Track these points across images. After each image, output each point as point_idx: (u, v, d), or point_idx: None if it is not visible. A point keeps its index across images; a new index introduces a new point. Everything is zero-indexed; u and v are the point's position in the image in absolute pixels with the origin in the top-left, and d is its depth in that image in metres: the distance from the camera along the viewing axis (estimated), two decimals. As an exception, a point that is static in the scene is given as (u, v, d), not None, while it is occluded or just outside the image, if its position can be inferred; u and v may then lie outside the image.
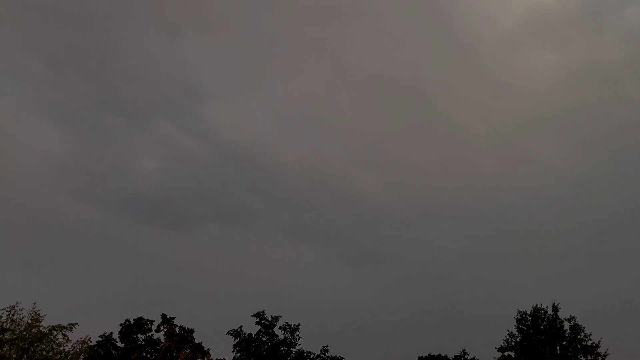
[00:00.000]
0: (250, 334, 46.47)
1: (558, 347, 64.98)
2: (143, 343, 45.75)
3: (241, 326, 46.81)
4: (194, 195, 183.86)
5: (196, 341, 46.62)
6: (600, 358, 64.70)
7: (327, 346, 47.08)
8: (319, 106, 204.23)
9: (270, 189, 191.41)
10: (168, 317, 46.83)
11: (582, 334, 65.02)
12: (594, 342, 64.87)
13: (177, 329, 46.40)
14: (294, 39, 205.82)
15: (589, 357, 64.75)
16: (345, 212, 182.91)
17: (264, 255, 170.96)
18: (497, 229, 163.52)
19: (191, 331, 46.53)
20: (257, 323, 46.99)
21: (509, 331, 66.52)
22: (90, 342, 56.19)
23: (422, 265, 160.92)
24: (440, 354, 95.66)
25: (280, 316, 47.57)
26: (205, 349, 46.34)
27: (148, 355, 45.55)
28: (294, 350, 46.34)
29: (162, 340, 46.04)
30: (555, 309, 67.03)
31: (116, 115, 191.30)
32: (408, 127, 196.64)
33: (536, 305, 67.69)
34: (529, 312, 67.14)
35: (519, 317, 67.44)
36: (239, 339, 46.01)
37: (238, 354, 45.81)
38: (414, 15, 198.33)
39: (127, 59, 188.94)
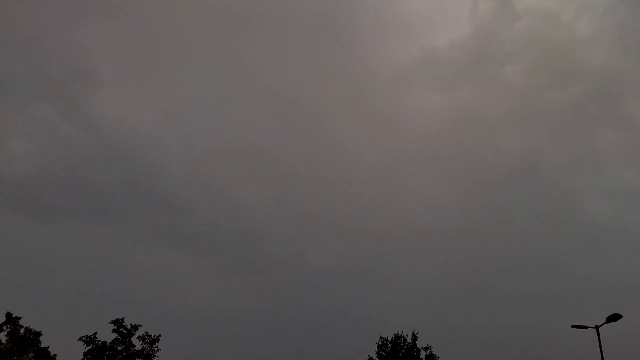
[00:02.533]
0: (104, 342, 43.68)
1: (413, 375, 67.94)
2: (-20, 343, 41.55)
3: (95, 333, 43.84)
4: (65, 186, 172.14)
5: (43, 345, 43.12)
6: (450, 387, 68.56)
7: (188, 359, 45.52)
8: (212, 112, 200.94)
9: (150, 190, 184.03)
10: (13, 316, 42.94)
11: (435, 362, 68.60)
12: (446, 372, 68.68)
13: (22, 330, 42.64)
14: (198, 43, 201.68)
15: (440, 386, 68.38)
16: (226, 220, 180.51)
17: (133, 258, 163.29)
18: (371, 251, 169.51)
19: (38, 334, 42.95)
20: (114, 330, 44.30)
21: (369, 356, 68.64)
22: None
23: (298, 281, 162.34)
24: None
25: (141, 325, 45.24)
26: (51, 354, 42.97)
27: (-16, 357, 41.43)
28: (150, 362, 44.24)
29: (4, 341, 42.06)
30: (414, 337, 70.13)
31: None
32: (299, 143, 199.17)
33: (397, 333, 70.57)
34: (389, 339, 69.84)
35: (380, 342, 69.82)
36: (91, 346, 43.06)
37: (88, 363, 42.89)
38: (319, 39, 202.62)
39: (15, 29, 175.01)
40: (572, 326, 39.03)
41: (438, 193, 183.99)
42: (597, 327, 35.14)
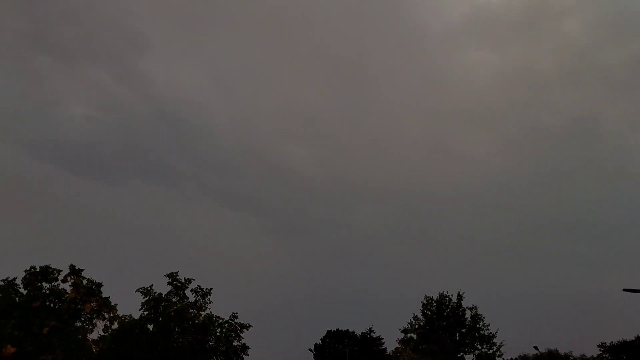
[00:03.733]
0: (160, 294, 46.12)
1: (458, 334, 68.58)
2: (47, 292, 44.40)
3: (152, 285, 46.41)
4: (120, 148, 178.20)
5: (104, 295, 45.78)
6: (495, 348, 68.88)
7: (236, 313, 47.48)
8: (259, 73, 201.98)
9: (200, 151, 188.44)
10: (77, 268, 45.57)
11: (481, 323, 68.87)
12: (491, 332, 68.93)
13: (84, 281, 45.29)
14: (244, 7, 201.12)
15: (485, 346, 68.79)
16: (272, 183, 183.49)
17: (186, 216, 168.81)
18: (418, 215, 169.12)
19: (99, 285, 45.54)
20: (168, 283, 46.70)
21: (414, 314, 69.46)
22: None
23: (342, 243, 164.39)
24: (347, 330, 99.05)
25: (193, 279, 47.54)
26: (112, 304, 45.61)
27: (52, 305, 44.32)
28: (203, 313, 46.42)
29: (68, 291, 44.87)
30: (460, 297, 70.49)
31: (46, 54, 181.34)
32: (345, 105, 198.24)
33: (442, 292, 70.99)
34: (435, 298, 70.35)
35: (425, 301, 70.48)
36: (148, 297, 45.56)
37: (145, 313, 45.41)
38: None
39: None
40: (624, 290, 38.41)
41: (488, 154, 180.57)
42: (648, 291, 34.37)
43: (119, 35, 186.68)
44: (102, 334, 45.16)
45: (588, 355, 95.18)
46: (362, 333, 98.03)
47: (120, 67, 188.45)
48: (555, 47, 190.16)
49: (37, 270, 44.44)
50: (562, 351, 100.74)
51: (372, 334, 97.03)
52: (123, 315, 46.13)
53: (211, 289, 47.57)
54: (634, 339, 73.20)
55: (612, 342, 76.87)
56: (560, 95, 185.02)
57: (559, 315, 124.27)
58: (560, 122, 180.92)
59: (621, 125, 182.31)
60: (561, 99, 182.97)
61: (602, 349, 78.73)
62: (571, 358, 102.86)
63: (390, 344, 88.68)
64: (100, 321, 45.34)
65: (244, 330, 46.72)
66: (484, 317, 68.65)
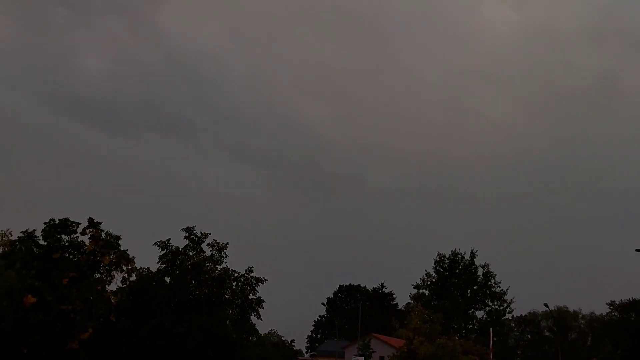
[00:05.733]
0: (177, 247, 46.69)
1: (469, 291, 69.40)
2: (67, 244, 45.09)
3: (169, 239, 46.89)
4: (135, 101, 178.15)
5: (122, 248, 46.48)
6: (505, 304, 69.74)
7: (252, 267, 48.05)
8: (275, 27, 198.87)
9: (215, 104, 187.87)
10: (95, 221, 46.09)
11: (492, 280, 69.59)
12: (502, 290, 69.70)
13: (103, 234, 45.93)
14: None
15: (495, 303, 69.67)
16: (287, 138, 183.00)
17: (202, 171, 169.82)
18: (433, 174, 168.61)
19: (117, 238, 46.12)
20: (185, 237, 47.14)
21: (426, 271, 70.29)
22: (12, 235, 55.35)
23: (356, 200, 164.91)
24: (359, 285, 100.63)
25: (210, 233, 47.85)
26: (130, 256, 46.34)
27: (71, 257, 45.12)
28: (219, 267, 47.05)
29: (87, 243, 45.57)
30: (473, 255, 71.03)
31: (63, 6, 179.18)
32: (361, 62, 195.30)
33: (455, 250, 71.53)
34: (447, 255, 70.92)
35: (437, 258, 71.15)
36: (165, 250, 46.17)
37: (163, 265, 46.11)
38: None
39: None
40: (637, 250, 38.34)
41: (506, 113, 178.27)
42: (663, 252, 34.23)
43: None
44: (121, 285, 46.07)
45: (597, 313, 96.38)
46: (373, 288, 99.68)
47: (136, 20, 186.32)
48: (576, 5, 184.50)
49: (57, 222, 45.04)
50: (571, 309, 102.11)
51: (383, 290, 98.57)
52: (141, 267, 46.92)
53: (227, 243, 48.05)
54: (643, 297, 73.56)
55: (621, 300, 77.39)
56: (580, 55, 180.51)
57: (571, 275, 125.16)
58: (580, 81, 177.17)
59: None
60: (582, 58, 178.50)
61: (611, 307, 79.38)
62: (580, 315, 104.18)
63: (402, 300, 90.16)
64: (119, 273, 46.17)
65: (260, 283, 47.39)
66: (495, 275, 69.42)
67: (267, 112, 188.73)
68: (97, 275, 45.61)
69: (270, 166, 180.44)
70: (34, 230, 45.22)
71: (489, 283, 69.23)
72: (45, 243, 44.75)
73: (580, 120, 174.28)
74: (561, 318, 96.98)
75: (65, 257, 44.52)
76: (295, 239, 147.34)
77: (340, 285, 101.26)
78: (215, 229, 49.94)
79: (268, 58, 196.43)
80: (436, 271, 70.84)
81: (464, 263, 70.95)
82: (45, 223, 45.05)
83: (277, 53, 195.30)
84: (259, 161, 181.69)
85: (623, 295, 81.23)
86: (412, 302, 65.83)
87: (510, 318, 77.30)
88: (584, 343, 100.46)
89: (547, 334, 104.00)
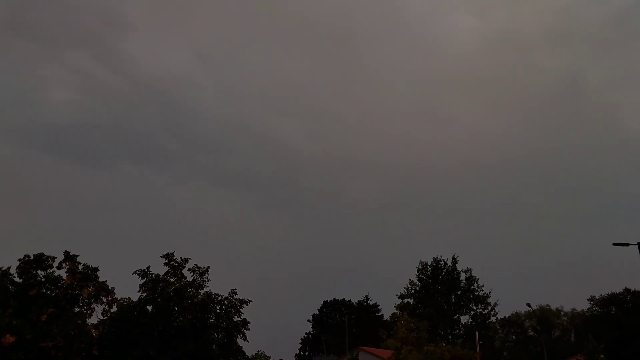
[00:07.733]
0: (157, 275, 45.97)
1: (453, 296, 69.69)
2: (43, 279, 44.14)
3: (149, 266, 46.18)
4: (106, 131, 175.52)
5: (100, 280, 45.62)
6: (489, 307, 70.20)
7: (235, 289, 47.56)
8: (245, 47, 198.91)
9: (188, 130, 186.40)
10: (71, 254, 45.26)
11: (475, 284, 70.03)
12: (485, 293, 70.15)
13: (80, 267, 45.04)
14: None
15: (479, 306, 70.08)
16: (263, 157, 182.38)
17: (178, 197, 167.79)
18: (412, 184, 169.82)
19: (95, 269, 45.34)
20: (165, 264, 46.49)
21: (410, 279, 70.45)
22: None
23: (336, 214, 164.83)
24: (344, 299, 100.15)
25: (190, 258, 47.32)
26: (109, 287, 45.49)
27: (48, 292, 44.11)
28: (201, 292, 46.46)
29: (64, 277, 44.60)
30: (455, 261, 71.49)
31: (27, 41, 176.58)
32: (332, 77, 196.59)
33: (437, 257, 71.88)
34: (429, 263, 71.23)
35: (420, 266, 71.43)
36: (145, 279, 45.40)
37: (144, 294, 45.30)
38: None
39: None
40: (614, 244, 39.00)
41: (476, 119, 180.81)
42: (639, 244, 34.94)
43: (100, 17, 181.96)
44: (102, 318, 45.17)
45: (578, 309, 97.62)
46: (358, 301, 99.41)
47: (103, 49, 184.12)
48: (536, 7, 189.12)
49: (31, 258, 44.07)
50: (553, 307, 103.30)
51: (368, 302, 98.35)
52: (121, 298, 46.11)
53: (208, 267, 47.58)
54: (622, 290, 74.76)
55: (601, 295, 78.50)
56: (544, 57, 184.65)
57: (552, 274, 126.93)
58: (547, 83, 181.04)
59: (605, 80, 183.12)
60: (546, 60, 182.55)
61: (592, 302, 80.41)
62: (562, 313, 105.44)
63: (388, 311, 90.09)
64: (99, 305, 45.39)
65: (244, 305, 46.91)
66: (478, 279, 69.91)
67: (241, 132, 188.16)
68: (77, 309, 44.72)
69: (249, 187, 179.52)
70: (9, 268, 44.25)
71: (472, 287, 69.64)
72: (21, 280, 43.73)
73: (552, 123, 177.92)
74: (544, 317, 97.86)
75: (42, 293, 43.56)
76: (278, 257, 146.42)
77: (324, 301, 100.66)
78: (196, 253, 49.57)
79: (239, 79, 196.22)
80: (419, 279, 71.05)
81: (447, 269, 71.31)
82: (19, 259, 44.11)
83: (248, 73, 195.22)
84: (236, 182, 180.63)
85: (603, 290, 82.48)
86: (398, 311, 65.75)
87: (495, 321, 77.71)
88: (568, 339, 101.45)
89: (531, 333, 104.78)
